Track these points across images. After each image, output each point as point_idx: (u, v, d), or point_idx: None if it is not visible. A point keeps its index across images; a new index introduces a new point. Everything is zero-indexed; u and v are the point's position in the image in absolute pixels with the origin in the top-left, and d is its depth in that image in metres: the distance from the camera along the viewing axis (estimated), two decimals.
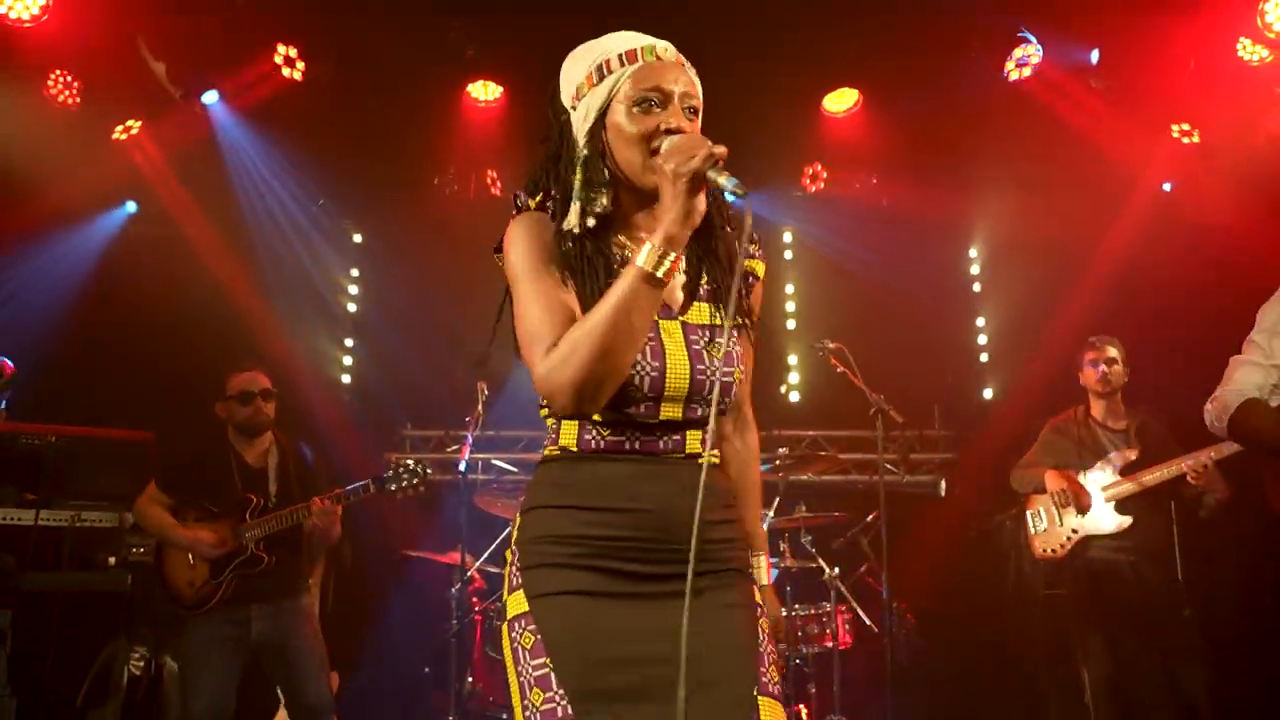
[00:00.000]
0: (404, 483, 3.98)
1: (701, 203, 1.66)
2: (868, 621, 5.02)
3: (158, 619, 4.91)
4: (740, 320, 1.84)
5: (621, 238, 1.82)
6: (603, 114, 1.77)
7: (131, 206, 6.19)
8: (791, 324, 6.88)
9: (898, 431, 6.14)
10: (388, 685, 5.37)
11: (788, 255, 7.00)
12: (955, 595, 5.94)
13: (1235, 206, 5.54)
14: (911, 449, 6.41)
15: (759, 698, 1.73)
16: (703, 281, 1.83)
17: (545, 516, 1.79)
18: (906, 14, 5.24)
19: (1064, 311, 5.94)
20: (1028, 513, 4.74)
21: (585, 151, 1.78)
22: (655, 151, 1.71)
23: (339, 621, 5.00)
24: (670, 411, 1.75)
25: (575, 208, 1.77)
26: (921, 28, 5.32)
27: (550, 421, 1.84)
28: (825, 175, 6.48)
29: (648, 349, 1.72)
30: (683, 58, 1.83)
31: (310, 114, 5.61)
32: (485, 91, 5.90)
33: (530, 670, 1.70)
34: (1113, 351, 4.58)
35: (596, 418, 1.75)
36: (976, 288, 6.93)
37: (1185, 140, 5.75)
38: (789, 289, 6.95)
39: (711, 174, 1.63)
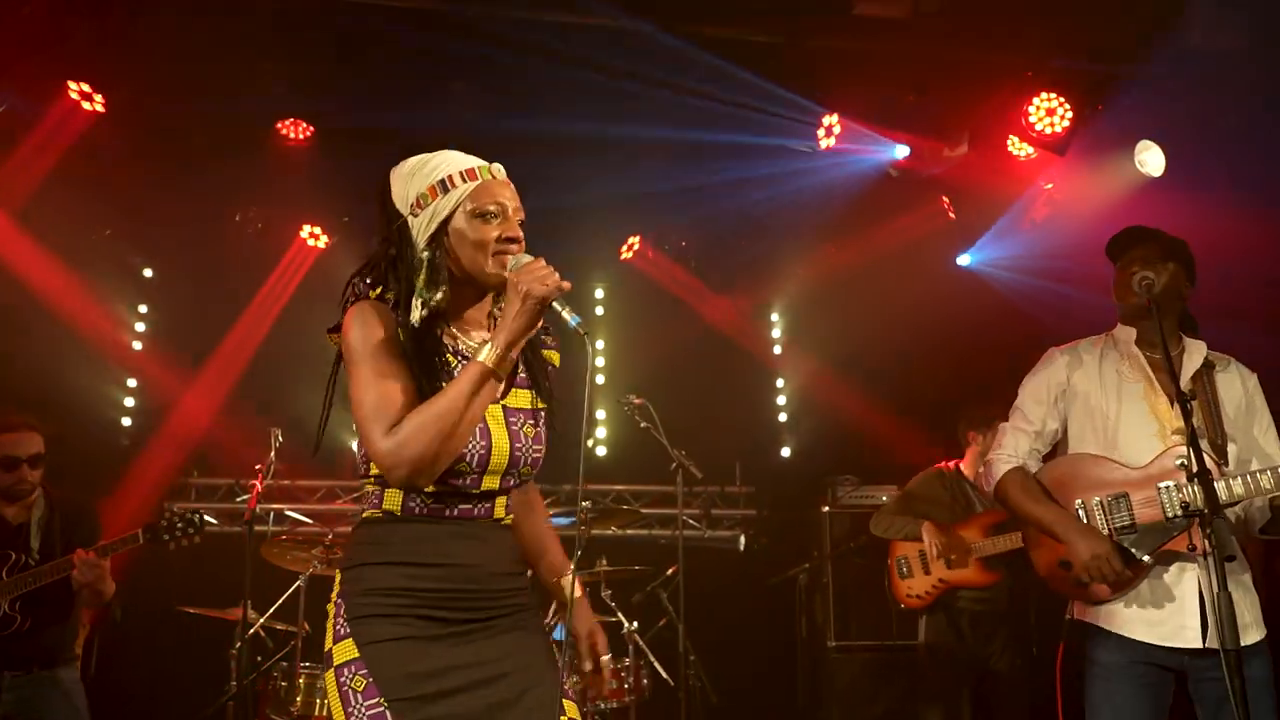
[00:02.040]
0: (178, 533, 3.70)
1: (539, 318, 1.93)
2: (664, 675, 5.06)
3: None
4: (546, 406, 2.12)
5: (453, 328, 2.07)
6: (444, 222, 2.01)
7: None
8: (600, 379, 6.95)
9: (700, 487, 6.32)
10: None
11: (599, 311, 7.10)
12: (751, 646, 6.09)
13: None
14: (713, 505, 6.59)
15: (565, 701, 2.02)
16: (519, 370, 2.10)
17: (371, 572, 1.98)
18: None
19: (860, 373, 6.27)
20: (896, 559, 4.84)
21: (427, 254, 2.01)
22: (498, 255, 1.99)
23: (105, 685, 4.60)
24: (490, 483, 2.01)
25: (417, 303, 2.00)
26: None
27: (371, 487, 2.03)
28: (636, 246, 6.65)
29: (477, 430, 1.96)
30: (504, 174, 2.09)
31: (104, 143, 5.28)
32: (295, 130, 5.72)
33: (364, 709, 1.88)
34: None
35: (438, 488, 1.97)
36: (777, 350, 7.22)
37: (950, 214, 6.23)
38: (599, 344, 7.04)
39: (557, 304, 1.93)
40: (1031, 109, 5.42)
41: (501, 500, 2.07)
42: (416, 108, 5.36)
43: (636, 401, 4.96)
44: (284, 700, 4.54)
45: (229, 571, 5.02)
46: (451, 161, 2.05)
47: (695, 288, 6.70)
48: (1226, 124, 5.11)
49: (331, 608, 1.99)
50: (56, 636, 3.69)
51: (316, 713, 4.56)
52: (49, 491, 3.80)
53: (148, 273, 6.54)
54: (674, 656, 5.05)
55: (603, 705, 4.87)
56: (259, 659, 4.75)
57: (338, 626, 1.95)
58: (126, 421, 6.34)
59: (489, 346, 1.91)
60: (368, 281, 2.09)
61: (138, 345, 6.47)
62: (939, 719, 4.63)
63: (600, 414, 6.92)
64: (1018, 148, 5.79)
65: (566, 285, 1.93)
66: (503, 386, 2.04)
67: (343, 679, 1.90)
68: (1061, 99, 5.42)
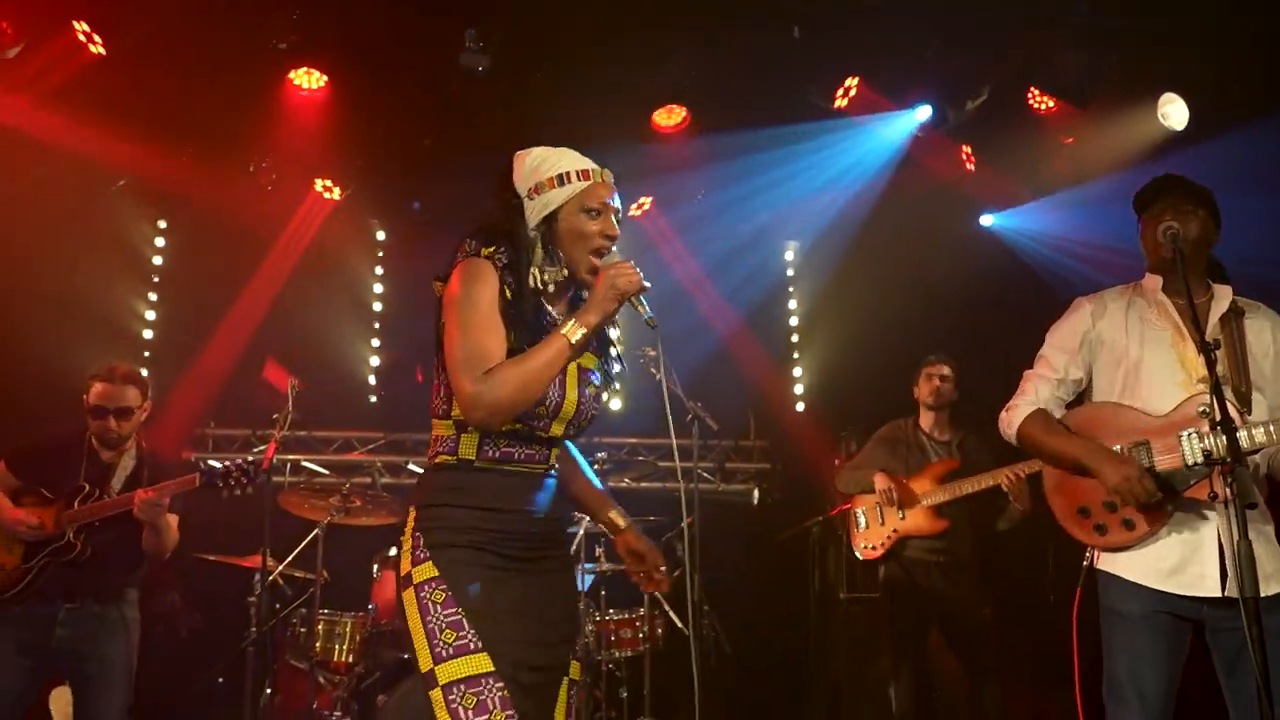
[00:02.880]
0: (233, 481, 3.78)
1: (619, 308, 2.24)
2: (680, 625, 5.10)
3: None
4: (602, 370, 2.39)
5: (545, 304, 2.34)
6: (556, 211, 2.30)
7: None
8: (614, 332, 6.92)
9: (714, 441, 6.33)
10: (178, 698, 5.05)
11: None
12: (763, 599, 6.14)
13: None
14: (727, 458, 6.61)
15: (571, 660, 2.32)
16: (592, 341, 2.35)
17: (448, 512, 2.24)
18: (731, 34, 5.41)
19: (881, 334, 6.25)
20: (854, 511, 4.92)
21: (535, 234, 2.31)
22: (596, 251, 2.29)
23: None
24: (556, 430, 2.29)
25: (536, 272, 2.30)
26: (746, 48, 5.49)
27: (447, 431, 2.28)
28: (648, 205, 6.63)
29: (557, 380, 2.24)
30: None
31: (113, 90, 5.24)
32: (308, 79, 5.68)
33: (443, 618, 2.14)
34: (946, 369, 4.86)
35: (500, 430, 2.24)
36: (792, 304, 7.19)
37: (969, 166, 6.18)
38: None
39: (635, 300, 2.24)
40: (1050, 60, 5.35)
41: (556, 451, 2.35)
42: (431, 56, 5.33)
43: (652, 353, 4.95)
44: (303, 645, 4.61)
45: (247, 520, 5.05)
46: (570, 160, 2.34)
47: (711, 243, 6.65)
48: (1250, 75, 5.03)
49: (408, 541, 2.22)
50: (116, 576, 3.79)
51: (335, 658, 4.63)
52: (141, 444, 3.93)
53: (162, 224, 6.53)
54: (688, 607, 5.10)
55: (617, 654, 4.93)
56: (278, 606, 4.80)
57: (416, 553, 2.20)
58: (144, 373, 6.33)
59: (575, 324, 2.19)
60: (482, 243, 2.31)
61: (153, 296, 6.47)
62: (897, 668, 4.68)
63: (615, 368, 6.90)
64: (1038, 100, 5.71)
65: (648, 285, 2.23)
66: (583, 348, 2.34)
67: (422, 594, 2.15)
68: (1081, 49, 5.33)
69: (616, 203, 2.35)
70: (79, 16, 5.02)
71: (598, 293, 2.23)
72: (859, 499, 4.92)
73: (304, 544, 4.96)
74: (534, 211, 2.31)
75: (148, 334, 6.43)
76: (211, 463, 3.96)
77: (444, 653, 2.11)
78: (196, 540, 5.09)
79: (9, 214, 5.60)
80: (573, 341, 2.19)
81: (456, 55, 5.22)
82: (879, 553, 4.77)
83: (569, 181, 2.30)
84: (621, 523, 2.56)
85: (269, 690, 4.63)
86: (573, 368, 2.28)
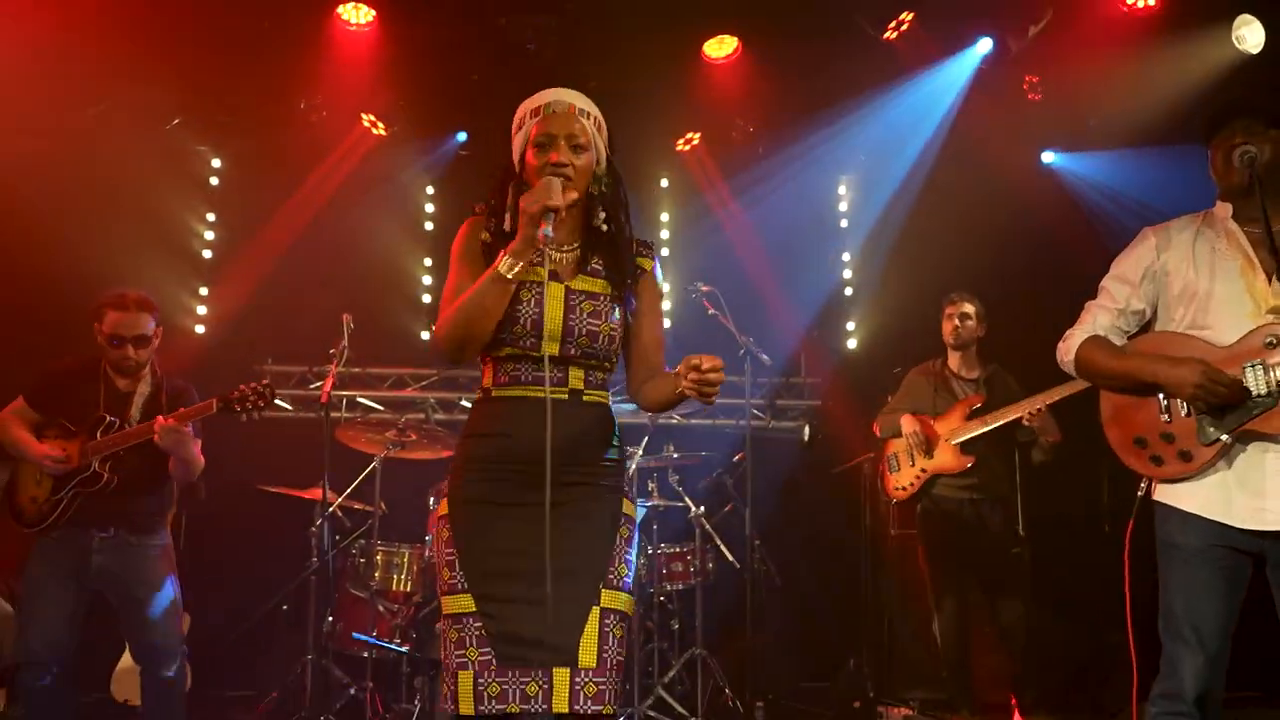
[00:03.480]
0: (249, 403, 3.76)
1: (541, 232, 2.21)
2: (730, 558, 5.15)
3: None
4: (618, 294, 2.41)
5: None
6: (522, 155, 2.40)
7: None
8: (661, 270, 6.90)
9: (764, 378, 6.31)
10: (243, 624, 5.22)
11: (663, 202, 7.02)
12: (814, 534, 6.16)
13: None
14: (778, 395, 6.59)
15: (602, 589, 2.29)
16: (594, 262, 2.43)
17: (467, 444, 2.39)
18: None
19: (929, 268, 6.15)
20: (887, 455, 4.97)
21: (514, 177, 2.42)
22: (544, 180, 2.30)
23: (192, 560, 4.83)
24: (550, 348, 2.32)
25: (508, 217, 2.39)
26: None
27: (480, 367, 2.42)
28: (696, 140, 6.52)
29: (532, 300, 2.33)
30: (577, 105, 2.39)
31: (162, 24, 5.26)
32: (356, 14, 5.66)
33: (444, 555, 2.31)
34: (968, 308, 4.81)
35: (501, 355, 2.35)
36: (846, 239, 7.09)
37: (1031, 96, 5.98)
38: (663, 235, 6.98)
39: (544, 217, 2.22)
40: None
41: (577, 373, 2.35)
42: None
43: (704, 288, 4.95)
44: (362, 575, 4.73)
45: (306, 454, 5.18)
46: (533, 100, 2.41)
47: (761, 179, 6.55)
48: None
49: (450, 473, 2.42)
50: (146, 504, 3.85)
51: (394, 588, 4.75)
52: (156, 369, 3.94)
53: (216, 162, 6.60)
54: (739, 541, 5.14)
55: (668, 587, 5.00)
56: (338, 537, 4.92)
57: (442, 488, 2.51)
58: (202, 310, 6.48)
59: (505, 257, 2.25)
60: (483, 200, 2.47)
61: (209, 235, 6.56)
62: (939, 604, 4.73)
63: (665, 304, 6.89)
64: (1104, 22, 5.50)
65: (556, 203, 2.23)
66: (572, 271, 2.41)
67: (438, 528, 2.36)
68: None
69: (568, 129, 2.34)
70: None
71: (520, 221, 2.27)
72: (891, 443, 4.96)
73: (362, 477, 5.07)
74: (515, 160, 2.43)
75: (203, 289, 6.53)
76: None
77: (442, 588, 2.30)
78: (258, 473, 5.24)
79: (75, 147, 5.70)
80: (500, 270, 2.25)
81: None
82: (909, 493, 4.82)
83: (524, 123, 2.40)
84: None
85: (330, 618, 4.77)
86: (558, 289, 2.35)
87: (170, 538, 3.98)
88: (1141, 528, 2.77)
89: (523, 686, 2.21)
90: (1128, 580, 2.78)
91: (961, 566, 4.74)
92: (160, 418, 3.68)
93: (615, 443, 2.43)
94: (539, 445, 2.20)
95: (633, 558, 2.37)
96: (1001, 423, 4.58)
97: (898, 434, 4.86)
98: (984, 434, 4.63)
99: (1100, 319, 2.83)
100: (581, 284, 2.39)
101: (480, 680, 2.22)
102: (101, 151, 5.78)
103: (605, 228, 2.43)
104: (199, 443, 3.80)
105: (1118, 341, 2.82)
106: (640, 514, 5.06)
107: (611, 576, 2.31)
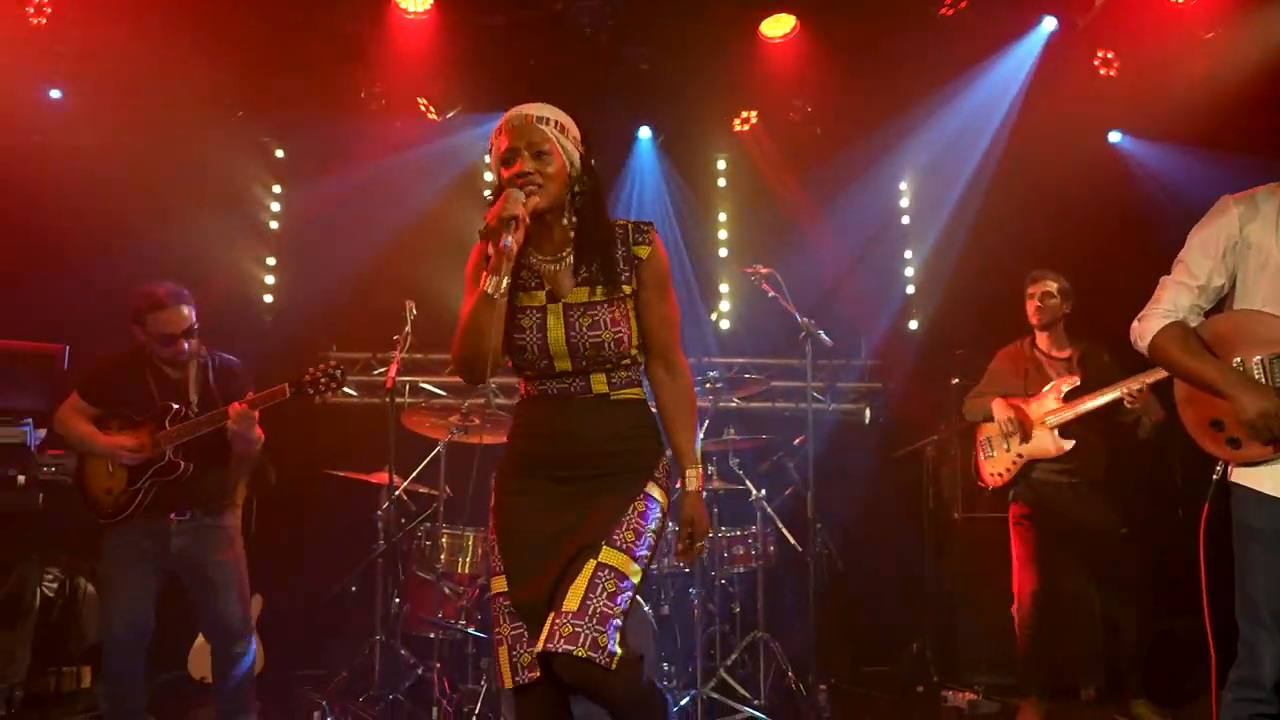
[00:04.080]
0: (321, 386, 3.87)
1: (504, 243, 2.27)
2: (792, 541, 5.13)
3: (73, 539, 4.82)
4: (615, 294, 2.46)
5: (535, 254, 2.52)
6: (497, 175, 2.47)
7: (56, 94, 5.80)
8: (723, 252, 6.89)
9: (825, 360, 6.27)
10: (313, 605, 5.34)
11: (721, 183, 6.98)
12: (876, 518, 6.11)
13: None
14: (838, 377, 6.54)
15: (604, 545, 2.36)
16: (587, 268, 2.48)
17: (511, 443, 2.58)
18: None
19: (996, 251, 6.05)
20: (979, 440, 4.81)
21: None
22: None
23: (263, 542, 4.94)
24: (563, 365, 2.46)
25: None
26: None
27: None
28: (754, 119, 6.46)
29: (533, 327, 2.45)
30: (534, 114, 2.43)
31: (226, 19, 5.37)
32: (414, 3, 5.70)
33: (490, 542, 2.51)
34: (1050, 285, 4.66)
35: (526, 374, 2.54)
36: (905, 220, 7.00)
37: (1104, 72, 5.83)
38: (721, 217, 6.95)
39: (505, 226, 2.28)
40: None
41: (598, 378, 2.47)
42: None
43: (763, 270, 4.92)
44: (428, 558, 4.80)
45: (371, 439, 5.28)
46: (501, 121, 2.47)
47: (819, 158, 6.49)
48: None
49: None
50: (216, 482, 3.95)
51: (459, 570, 4.82)
52: (200, 350, 3.99)
53: (279, 153, 6.71)
54: (800, 525, 5.12)
55: (730, 570, 5.00)
56: (403, 520, 5.00)
57: (496, 481, 2.56)
58: (268, 299, 6.61)
59: (490, 278, 2.30)
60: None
61: (274, 225, 6.68)
62: (1023, 590, 4.56)
63: (723, 287, 6.88)
64: None
65: (509, 213, 2.28)
66: (567, 288, 2.47)
67: (490, 521, 2.53)
68: None
69: (526, 139, 2.40)
70: None
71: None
72: (984, 427, 4.78)
73: (426, 461, 5.13)
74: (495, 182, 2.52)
75: (271, 260, 6.66)
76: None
77: (493, 570, 2.48)
78: (324, 458, 5.34)
79: (143, 140, 5.85)
80: (486, 290, 2.31)
81: None
82: (1005, 479, 4.65)
83: (492, 144, 2.47)
84: (690, 486, 2.60)
85: (397, 599, 4.85)
86: (556, 308, 2.45)
87: (239, 519, 4.08)
88: (1217, 511, 2.70)
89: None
90: (1204, 565, 2.71)
91: (1061, 552, 4.57)
92: (235, 404, 3.78)
93: (652, 435, 2.54)
94: (563, 439, 2.45)
95: (647, 533, 2.41)
96: (1102, 403, 4.39)
97: (988, 418, 4.71)
98: (1080, 415, 4.47)
99: (1180, 298, 2.74)
100: (576, 296, 2.47)
101: (513, 653, 2.37)
102: (171, 141, 5.91)
103: (588, 229, 2.48)
104: (257, 415, 3.86)
105: (1194, 321, 2.74)
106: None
107: (616, 537, 2.38)
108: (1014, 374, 4.72)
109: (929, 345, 6.61)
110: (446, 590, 4.76)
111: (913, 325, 6.85)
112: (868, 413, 6.56)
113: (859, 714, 5.22)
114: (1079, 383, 4.51)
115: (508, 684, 2.37)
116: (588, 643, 2.23)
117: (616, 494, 2.44)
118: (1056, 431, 4.51)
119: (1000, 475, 4.68)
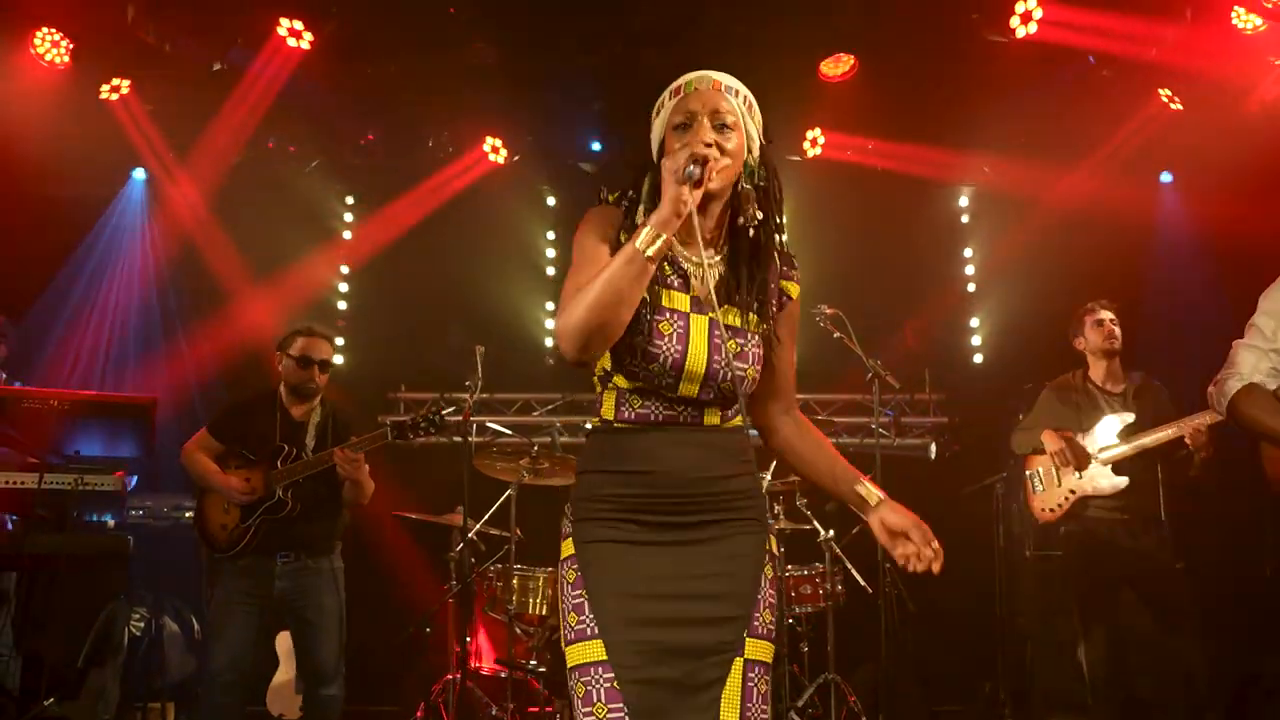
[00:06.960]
0: (420, 429, 4.04)
1: (687, 194, 1.94)
2: (861, 582, 5.10)
3: (159, 580, 4.98)
4: (764, 328, 2.14)
5: (674, 239, 2.07)
6: (661, 142, 2.12)
7: (140, 174, 6.27)
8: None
9: (889, 395, 6.24)
10: (386, 645, 5.42)
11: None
12: (946, 555, 6.01)
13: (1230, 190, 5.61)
14: (902, 412, 6.50)
15: (747, 638, 2.06)
16: (741, 283, 2.13)
17: (591, 479, 2.14)
18: None
19: (1055, 278, 6.00)
20: (1027, 473, 4.76)
21: (652, 169, 2.11)
22: None
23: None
24: (688, 390, 2.07)
25: (641, 209, 2.11)
26: None
27: (597, 392, 2.17)
28: (823, 140, 6.49)
29: (675, 336, 2.05)
30: (723, 82, 2.11)
31: (313, 78, 5.58)
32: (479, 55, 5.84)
33: (571, 599, 2.07)
34: (1112, 314, 4.63)
35: (628, 388, 2.10)
36: (968, 252, 6.96)
37: (1172, 106, 5.77)
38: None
39: (698, 170, 1.94)
40: None
41: (714, 411, 2.11)
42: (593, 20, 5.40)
43: (829, 311, 4.92)
44: (500, 599, 4.85)
45: (440, 480, 5.37)
46: (675, 82, 2.14)
47: (883, 188, 6.50)
48: None
49: (567, 509, 2.17)
50: (324, 528, 4.11)
51: (530, 611, 4.86)
52: (326, 399, 4.23)
53: (350, 199, 6.89)
54: (869, 565, 5.08)
55: (798, 610, 4.98)
56: (473, 561, 5.07)
57: (564, 526, 2.15)
58: (340, 341, 6.78)
59: (645, 229, 1.94)
60: (604, 191, 2.22)
61: (345, 269, 6.86)
62: (1086, 629, 4.49)
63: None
64: (1243, 20, 5.28)
65: (701, 151, 1.96)
66: (717, 303, 2.08)
67: (561, 572, 2.11)
68: None
69: (711, 105, 2.06)
70: (287, 13, 5.40)
71: (664, 187, 1.96)
72: (1032, 459, 4.73)
73: (498, 504, 5.20)
74: (654, 153, 2.15)
75: (341, 305, 6.83)
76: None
77: (569, 635, 2.05)
78: (395, 500, 5.44)
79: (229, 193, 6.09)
80: (637, 245, 1.92)
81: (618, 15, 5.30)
82: (1057, 515, 4.59)
83: (663, 107, 2.13)
84: (873, 498, 2.22)
85: (469, 639, 4.92)
86: (702, 322, 2.07)
87: (340, 562, 4.20)
88: None
89: None
90: None
91: (1117, 591, 4.50)
92: (339, 449, 3.92)
93: (753, 470, 2.17)
94: (674, 479, 2.06)
95: (776, 599, 2.14)
96: (1161, 439, 4.31)
97: (1038, 449, 4.65)
98: (1137, 451, 4.38)
99: (1258, 362, 2.75)
100: (728, 317, 2.12)
101: None
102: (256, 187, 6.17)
103: (753, 231, 2.09)
104: (362, 458, 4.02)
105: (1271, 384, 2.73)
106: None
107: (757, 623, 2.08)
108: (1066, 407, 4.66)
109: (995, 379, 6.55)
110: (518, 630, 4.81)
111: (977, 359, 6.80)
112: (933, 448, 6.50)
113: None
114: (1134, 419, 4.45)
115: None
116: None
117: (739, 558, 2.09)
118: (1110, 468, 4.44)
119: (1051, 511, 4.62)
